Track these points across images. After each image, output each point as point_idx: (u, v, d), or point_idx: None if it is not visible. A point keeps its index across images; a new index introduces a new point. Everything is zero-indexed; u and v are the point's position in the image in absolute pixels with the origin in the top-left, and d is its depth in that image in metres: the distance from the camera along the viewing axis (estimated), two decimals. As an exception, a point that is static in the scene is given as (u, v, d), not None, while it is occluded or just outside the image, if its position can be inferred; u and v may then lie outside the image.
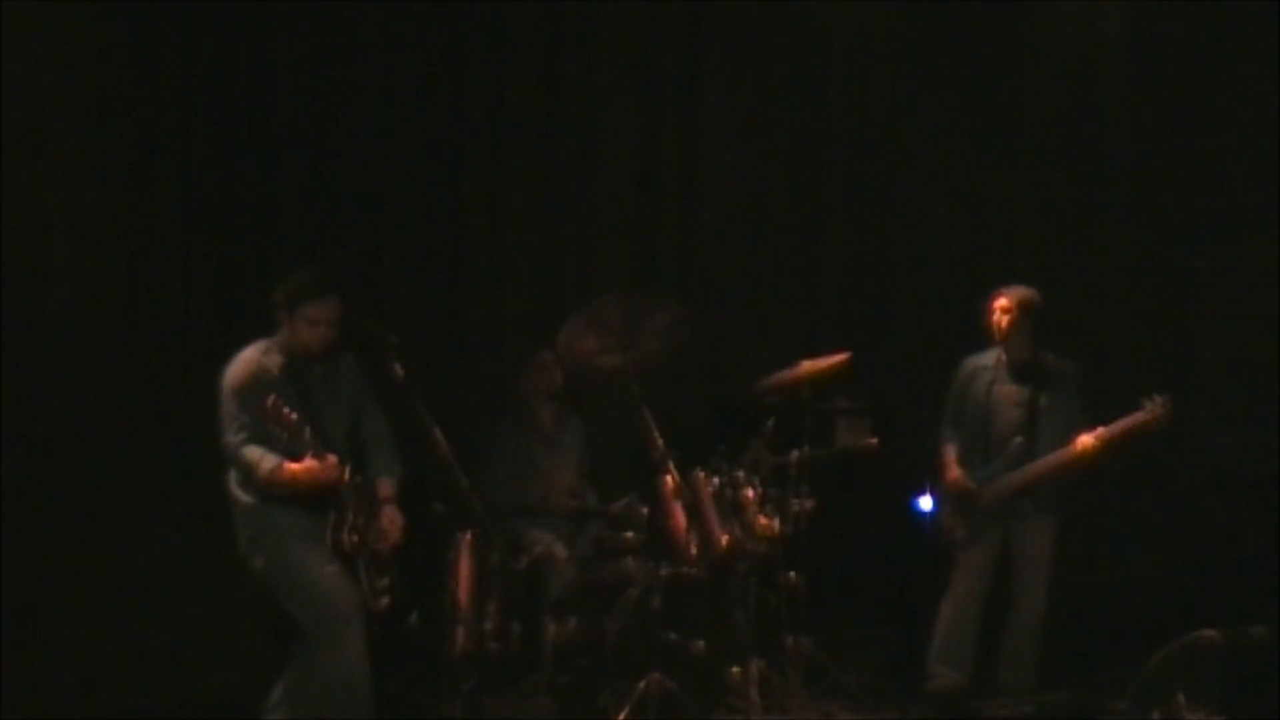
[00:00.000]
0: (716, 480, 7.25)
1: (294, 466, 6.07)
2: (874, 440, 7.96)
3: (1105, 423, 7.36)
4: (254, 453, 6.10)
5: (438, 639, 7.00)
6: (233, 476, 6.26)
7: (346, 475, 6.21)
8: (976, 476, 7.55)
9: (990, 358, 7.68)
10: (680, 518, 7.15)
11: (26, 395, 7.18)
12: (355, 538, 6.21)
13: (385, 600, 6.29)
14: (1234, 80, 8.73)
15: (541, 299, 8.69)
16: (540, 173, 8.78)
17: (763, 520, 7.24)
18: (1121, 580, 8.64)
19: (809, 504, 7.44)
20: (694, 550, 7.10)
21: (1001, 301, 7.57)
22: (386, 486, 6.48)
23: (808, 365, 7.54)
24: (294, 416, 5.99)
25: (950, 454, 7.67)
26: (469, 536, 7.01)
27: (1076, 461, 7.39)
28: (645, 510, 7.22)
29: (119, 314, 7.59)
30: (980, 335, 7.67)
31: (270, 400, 5.95)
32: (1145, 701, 6.31)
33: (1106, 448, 7.35)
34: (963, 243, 9.12)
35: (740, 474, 7.29)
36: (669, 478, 7.13)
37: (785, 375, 7.57)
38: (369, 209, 8.32)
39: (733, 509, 7.20)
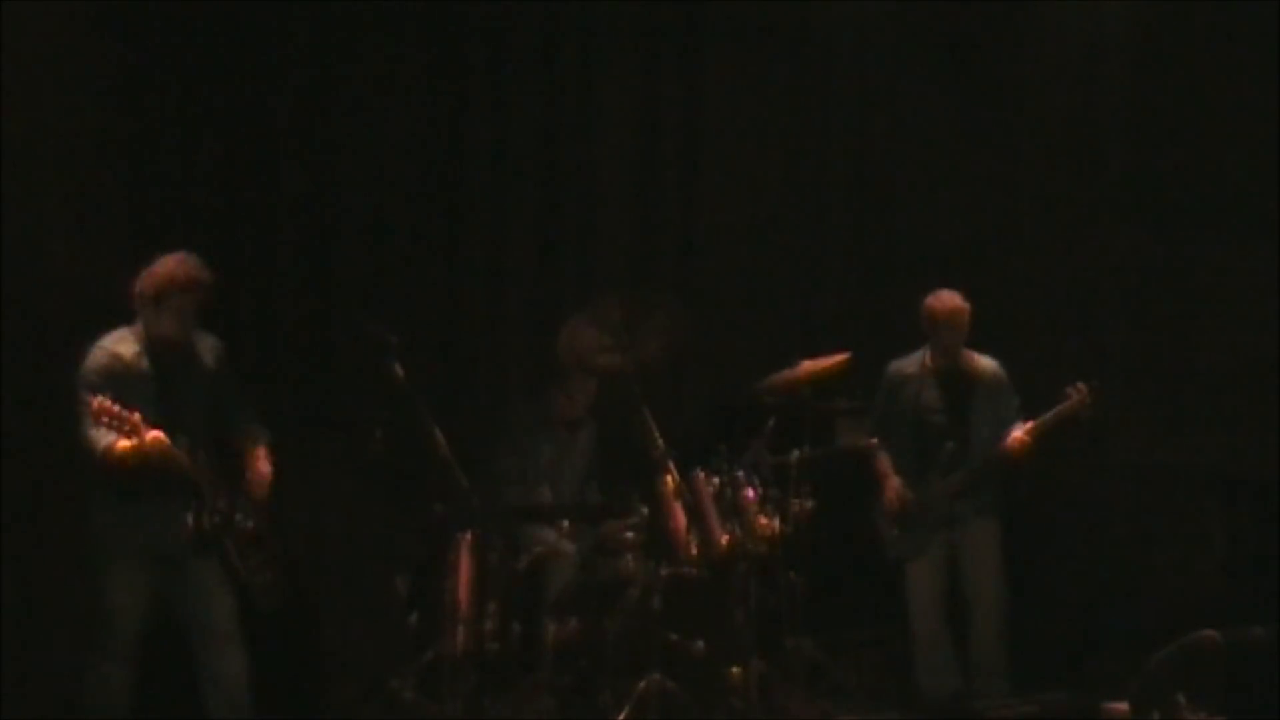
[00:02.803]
0: (716, 480, 7.26)
1: (122, 444, 5.95)
2: (874, 440, 7.96)
3: (1034, 417, 7.39)
4: (93, 435, 6.01)
5: (438, 639, 7.01)
6: (92, 487, 6.19)
7: (191, 455, 6.12)
8: (914, 484, 7.55)
9: (914, 364, 7.68)
10: (680, 518, 7.16)
11: (26, 395, 7.17)
12: (216, 519, 6.16)
13: (269, 574, 6.27)
14: (1234, 80, 8.72)
15: (541, 299, 8.69)
16: (540, 172, 8.78)
17: (763, 520, 7.24)
18: (1121, 580, 8.63)
19: (809, 504, 7.45)
20: (694, 550, 7.12)
21: (941, 307, 7.54)
22: (252, 445, 6.43)
23: (808, 365, 7.56)
24: (118, 409, 5.89)
25: (884, 463, 7.67)
26: (469, 536, 7.02)
27: (1011, 458, 7.40)
28: (645, 510, 7.23)
29: (119, 314, 7.58)
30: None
31: (95, 402, 5.87)
32: (1145, 701, 6.30)
33: (1038, 441, 7.36)
34: (962, 242, 9.11)
35: (740, 474, 7.30)
36: (669, 478, 7.13)
37: (785, 375, 7.58)
38: (369, 209, 8.32)
39: (733, 509, 7.21)
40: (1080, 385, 7.37)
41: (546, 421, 7.81)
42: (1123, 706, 6.56)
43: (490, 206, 8.69)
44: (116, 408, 5.91)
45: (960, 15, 9.11)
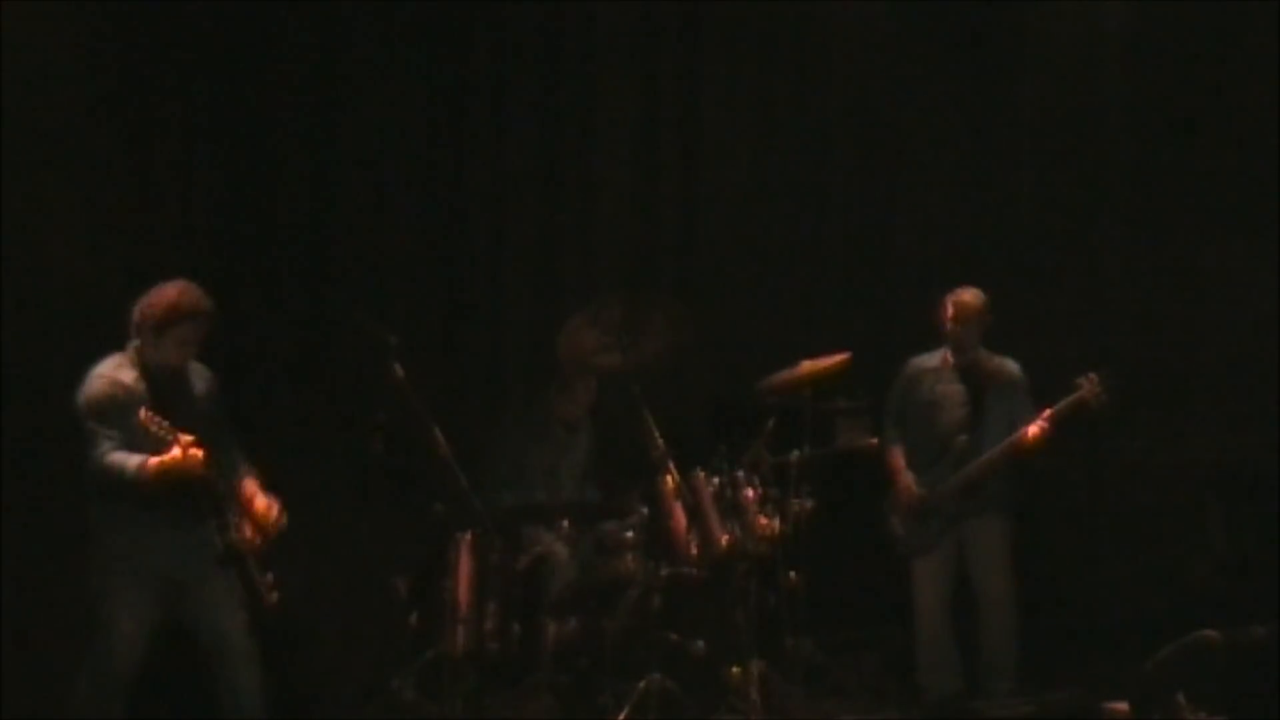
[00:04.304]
0: (716, 480, 7.26)
1: (156, 460, 5.92)
2: (874, 440, 7.96)
3: (1049, 407, 7.44)
4: (118, 457, 5.99)
5: (438, 639, 7.01)
6: (97, 512, 6.12)
7: (210, 467, 6.07)
8: (924, 480, 7.56)
9: (936, 359, 7.72)
10: (680, 518, 7.16)
11: (26, 394, 7.17)
12: (240, 535, 6.11)
13: (275, 595, 6.19)
14: (1234, 80, 8.72)
15: (541, 299, 8.69)
16: (540, 173, 8.78)
17: (763, 520, 7.25)
18: (1121, 580, 8.63)
19: (809, 504, 7.46)
20: (694, 550, 7.12)
21: (955, 302, 7.57)
22: (249, 482, 6.35)
23: (808, 365, 7.56)
24: (166, 423, 5.89)
25: (897, 458, 7.69)
26: (469, 536, 7.02)
27: (1028, 448, 7.42)
28: (645, 510, 7.23)
29: (119, 313, 7.58)
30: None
31: (143, 413, 5.86)
32: (1145, 701, 6.31)
33: (1055, 431, 7.39)
34: (963, 242, 9.12)
35: (740, 474, 7.30)
36: (669, 478, 7.14)
37: (785, 375, 7.58)
38: (369, 209, 8.32)
39: (733, 509, 7.21)
40: (1091, 375, 7.42)
41: (545, 422, 7.81)
42: (1123, 706, 6.57)
43: (490, 206, 8.69)
44: (162, 419, 5.88)
45: (960, 15, 9.11)
